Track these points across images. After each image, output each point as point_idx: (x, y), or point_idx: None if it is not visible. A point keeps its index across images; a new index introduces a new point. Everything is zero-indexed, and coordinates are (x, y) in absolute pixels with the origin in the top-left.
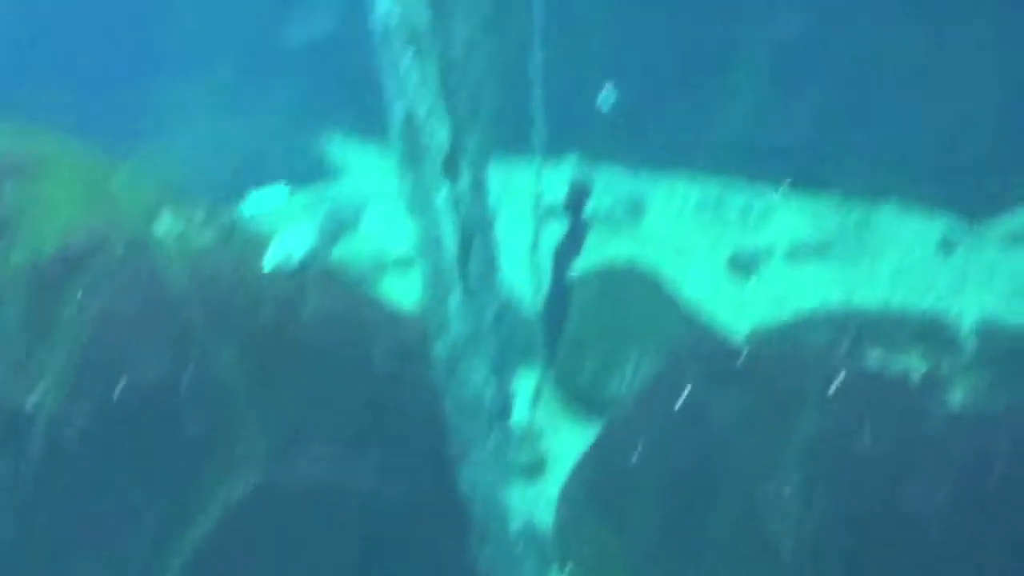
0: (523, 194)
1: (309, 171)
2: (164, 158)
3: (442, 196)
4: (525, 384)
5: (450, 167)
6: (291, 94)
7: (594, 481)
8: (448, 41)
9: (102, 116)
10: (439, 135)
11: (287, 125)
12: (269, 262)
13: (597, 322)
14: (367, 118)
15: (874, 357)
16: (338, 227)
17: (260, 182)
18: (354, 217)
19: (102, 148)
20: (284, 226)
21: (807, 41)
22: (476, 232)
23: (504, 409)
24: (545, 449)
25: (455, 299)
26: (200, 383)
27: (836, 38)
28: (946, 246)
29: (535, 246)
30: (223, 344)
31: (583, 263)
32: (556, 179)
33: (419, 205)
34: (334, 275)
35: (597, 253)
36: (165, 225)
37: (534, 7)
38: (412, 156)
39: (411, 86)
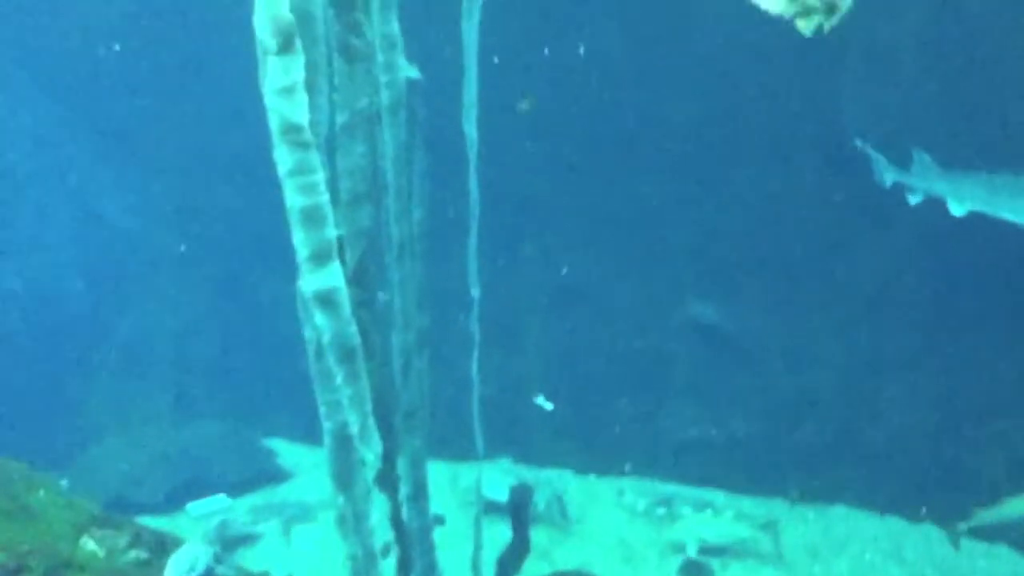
0: (463, 500)
1: (254, 476)
2: (95, 469)
3: (376, 514)
4: None
5: (383, 483)
6: (234, 397)
7: None
8: (385, 356)
9: (28, 427)
10: (372, 452)
11: (231, 429)
12: None
13: None
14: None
15: None
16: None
17: (201, 490)
18: (288, 522)
19: (27, 460)
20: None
21: (743, 336)
22: (415, 545)
23: None
24: None
25: None
26: None
27: (775, 327)
28: (899, 548)
29: (477, 554)
30: None
31: (528, 571)
32: (497, 483)
33: (352, 523)
34: None
35: (543, 559)
36: (91, 544)
37: (471, 315)
38: (344, 474)
39: (344, 403)
